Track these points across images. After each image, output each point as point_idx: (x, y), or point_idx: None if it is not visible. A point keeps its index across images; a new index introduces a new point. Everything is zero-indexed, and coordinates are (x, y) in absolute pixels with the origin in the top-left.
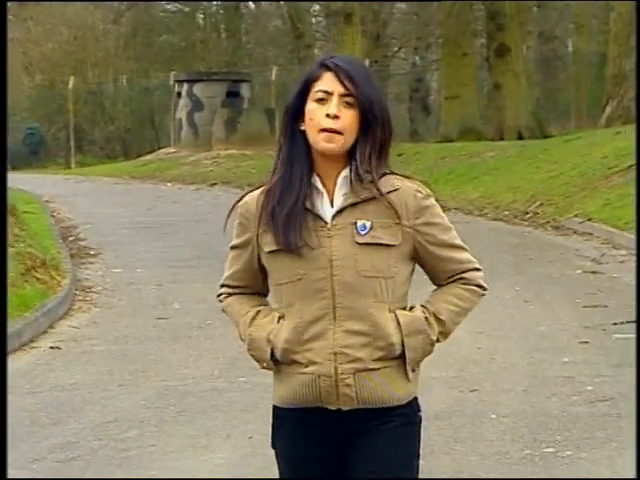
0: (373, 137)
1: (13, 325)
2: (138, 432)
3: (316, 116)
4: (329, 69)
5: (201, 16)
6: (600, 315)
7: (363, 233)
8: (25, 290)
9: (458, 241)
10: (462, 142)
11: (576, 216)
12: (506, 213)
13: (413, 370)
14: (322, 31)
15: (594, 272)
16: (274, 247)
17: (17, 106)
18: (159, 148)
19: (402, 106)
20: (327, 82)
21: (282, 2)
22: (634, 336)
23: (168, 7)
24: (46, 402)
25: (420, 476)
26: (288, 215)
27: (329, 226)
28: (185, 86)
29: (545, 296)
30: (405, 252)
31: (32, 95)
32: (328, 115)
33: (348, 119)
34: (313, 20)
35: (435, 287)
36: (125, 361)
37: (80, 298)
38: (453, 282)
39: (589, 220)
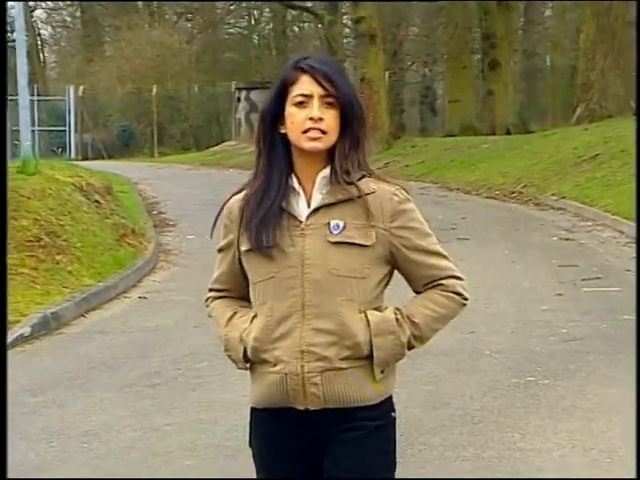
0: (351, 134)
1: (110, 280)
2: (208, 364)
3: (298, 120)
4: (305, 71)
5: (256, 38)
6: (572, 273)
7: (335, 232)
8: (119, 252)
9: (437, 248)
10: (462, 136)
11: (552, 195)
12: (497, 192)
13: (382, 371)
14: (351, 49)
15: (567, 239)
16: (249, 246)
17: (112, 109)
18: (223, 141)
19: (414, 108)
20: (305, 85)
21: (319, 27)
22: (599, 289)
23: (231, 31)
24: (136, 340)
25: (430, 398)
26: (264, 217)
27: (303, 225)
28: (243, 93)
29: (528, 258)
30: (379, 254)
31: (124, 100)
32: (311, 118)
33: (331, 119)
34: (344, 40)
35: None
36: (198, 308)
37: (162, 259)
38: (431, 288)
39: (563, 198)
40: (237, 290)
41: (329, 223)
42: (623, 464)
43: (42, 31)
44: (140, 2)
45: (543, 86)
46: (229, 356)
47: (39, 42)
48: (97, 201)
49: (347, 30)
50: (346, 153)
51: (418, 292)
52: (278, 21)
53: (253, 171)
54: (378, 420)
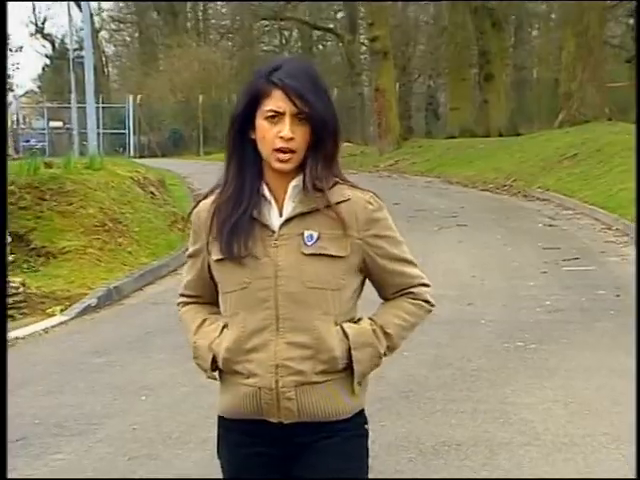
0: (324, 150)
1: (163, 259)
2: None
3: (268, 136)
4: (277, 86)
5: (286, 54)
6: (555, 254)
7: (310, 244)
8: (170, 236)
9: (408, 255)
10: (461, 138)
11: (538, 188)
12: (491, 186)
13: (359, 383)
14: (367, 64)
15: (550, 225)
16: (220, 255)
17: (165, 115)
18: None
19: (420, 114)
20: (277, 102)
21: (340, 45)
22: (578, 268)
23: (265, 48)
24: None
25: (434, 360)
26: (235, 225)
27: (276, 236)
28: None
29: (517, 241)
30: (354, 264)
31: (175, 107)
32: (282, 137)
33: (301, 137)
34: (362, 56)
35: (382, 302)
36: None
37: None
38: (401, 296)
39: (547, 190)
40: (207, 296)
41: (303, 233)
42: (598, 415)
43: (106, 49)
44: (189, 24)
45: (530, 95)
46: (197, 364)
47: (103, 58)
48: (152, 192)
49: (364, 48)
50: (317, 169)
51: (386, 299)
52: (305, 40)
53: (223, 177)
54: (354, 432)
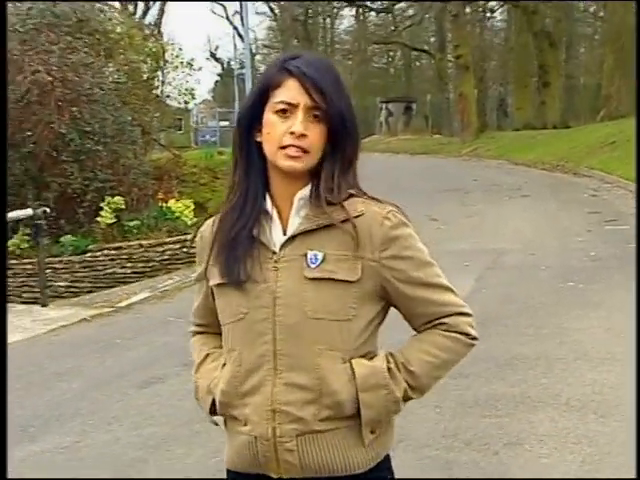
0: (342, 154)
1: None
2: None
3: (276, 131)
4: (292, 75)
5: (392, 69)
6: (597, 217)
7: (313, 266)
8: None
9: (439, 279)
10: (524, 131)
11: (585, 167)
12: (547, 166)
13: (372, 432)
14: (453, 76)
15: (594, 195)
16: (219, 280)
17: None
18: (370, 135)
19: (493, 113)
20: (290, 92)
21: (432, 62)
22: (615, 227)
23: (376, 65)
24: None
25: (504, 297)
26: (234, 246)
27: (276, 257)
28: (384, 104)
29: (568, 208)
30: (368, 290)
31: None
32: (292, 133)
33: (316, 136)
34: (449, 70)
35: (414, 333)
36: None
37: None
38: (432, 328)
39: (592, 169)
40: (214, 326)
41: (306, 254)
42: (631, 338)
43: (260, 68)
44: (320, 48)
45: (578, 97)
46: (201, 407)
47: (258, 75)
48: None
49: (450, 63)
50: (334, 177)
51: (418, 331)
52: (406, 59)
53: (229, 184)
54: None
